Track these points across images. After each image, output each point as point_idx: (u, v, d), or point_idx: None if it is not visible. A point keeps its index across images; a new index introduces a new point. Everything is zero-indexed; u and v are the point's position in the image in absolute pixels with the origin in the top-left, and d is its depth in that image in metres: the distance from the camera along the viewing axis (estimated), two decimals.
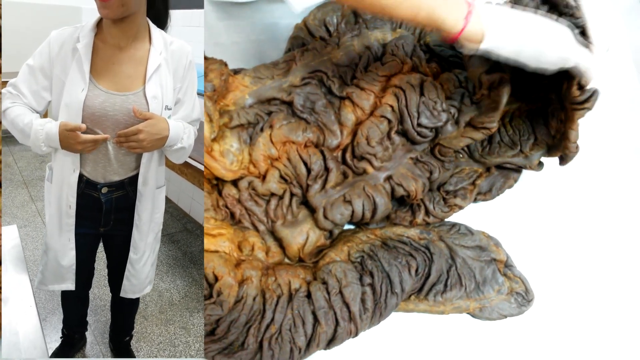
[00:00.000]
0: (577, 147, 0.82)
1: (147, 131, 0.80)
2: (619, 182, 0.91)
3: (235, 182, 0.84)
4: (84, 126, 0.79)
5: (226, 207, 0.83)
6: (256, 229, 0.83)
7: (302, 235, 0.82)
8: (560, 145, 0.84)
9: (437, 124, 0.83)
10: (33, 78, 0.82)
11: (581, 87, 0.74)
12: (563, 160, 0.86)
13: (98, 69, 0.81)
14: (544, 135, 0.86)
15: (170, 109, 0.84)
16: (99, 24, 0.82)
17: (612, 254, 0.86)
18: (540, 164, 0.89)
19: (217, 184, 0.85)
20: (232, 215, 0.83)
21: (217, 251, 0.77)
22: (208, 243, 0.77)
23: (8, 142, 2.33)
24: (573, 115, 0.78)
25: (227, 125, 0.85)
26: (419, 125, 0.83)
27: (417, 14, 0.67)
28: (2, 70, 0.82)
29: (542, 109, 0.87)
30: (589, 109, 0.76)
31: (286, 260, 0.83)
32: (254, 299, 0.75)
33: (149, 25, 0.84)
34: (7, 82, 0.83)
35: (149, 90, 0.81)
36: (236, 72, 0.88)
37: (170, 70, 0.85)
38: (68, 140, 0.79)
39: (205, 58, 0.87)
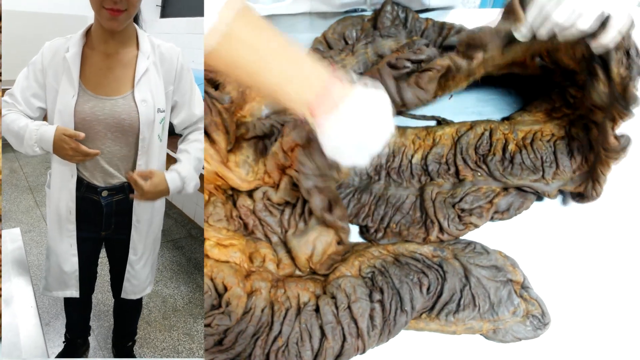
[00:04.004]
0: (601, 192, 0.82)
1: (150, 191, 0.86)
2: None
3: (250, 193, 0.85)
4: (82, 134, 0.81)
5: (240, 217, 0.84)
6: (269, 240, 0.84)
7: (309, 246, 0.82)
8: (580, 183, 0.84)
9: (419, 57, 0.80)
10: (27, 86, 0.85)
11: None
12: (581, 199, 0.85)
13: (87, 75, 0.83)
14: (565, 167, 0.85)
15: (163, 112, 0.86)
16: (87, 33, 0.84)
17: (636, 280, 0.82)
18: (558, 193, 0.87)
19: (232, 194, 0.86)
20: (245, 226, 0.84)
21: (227, 261, 0.77)
22: (219, 253, 0.77)
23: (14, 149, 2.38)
24: (608, 161, 0.78)
25: (244, 136, 0.86)
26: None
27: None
28: (8, 79, 0.84)
29: (567, 141, 0.86)
30: (625, 156, 0.77)
31: (297, 272, 0.83)
32: (263, 310, 0.75)
33: (136, 30, 0.85)
34: (7, 89, 0.87)
35: (137, 93, 0.83)
36: None
37: (160, 73, 0.85)
38: (62, 144, 0.81)
39: None
